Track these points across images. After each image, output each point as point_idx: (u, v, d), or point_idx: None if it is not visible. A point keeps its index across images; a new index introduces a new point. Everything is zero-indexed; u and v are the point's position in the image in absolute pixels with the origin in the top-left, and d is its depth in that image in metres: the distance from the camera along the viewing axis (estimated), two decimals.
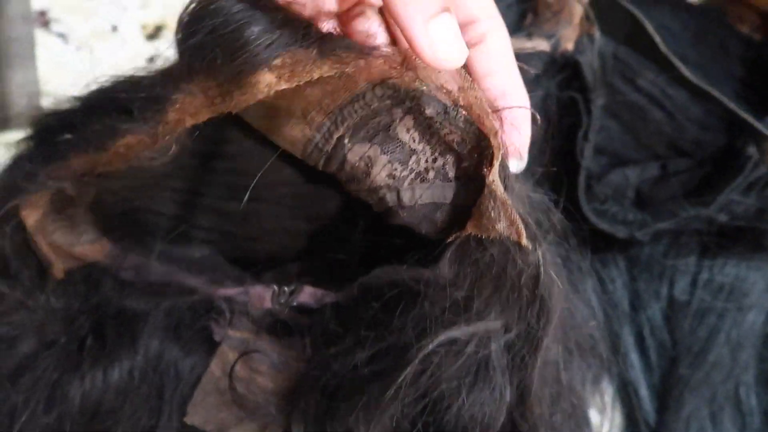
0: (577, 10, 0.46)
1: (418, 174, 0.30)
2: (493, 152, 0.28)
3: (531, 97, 0.47)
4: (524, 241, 0.27)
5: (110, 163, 0.30)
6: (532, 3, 0.47)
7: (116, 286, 0.34)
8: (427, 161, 0.30)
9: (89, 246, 0.35)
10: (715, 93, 0.46)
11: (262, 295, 0.35)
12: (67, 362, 0.32)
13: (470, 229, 0.28)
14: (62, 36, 0.54)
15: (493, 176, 0.27)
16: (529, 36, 0.45)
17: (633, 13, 0.47)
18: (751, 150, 0.45)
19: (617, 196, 0.46)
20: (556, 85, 0.46)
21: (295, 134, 0.31)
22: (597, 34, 0.46)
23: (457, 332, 0.27)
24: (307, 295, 0.34)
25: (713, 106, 0.48)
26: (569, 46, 0.47)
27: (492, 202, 0.27)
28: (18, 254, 0.34)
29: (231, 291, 0.35)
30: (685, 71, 0.46)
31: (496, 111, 0.29)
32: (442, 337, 0.27)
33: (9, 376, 0.32)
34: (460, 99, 0.27)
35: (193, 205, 0.42)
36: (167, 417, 0.33)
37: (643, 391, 0.43)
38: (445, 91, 0.27)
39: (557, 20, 0.46)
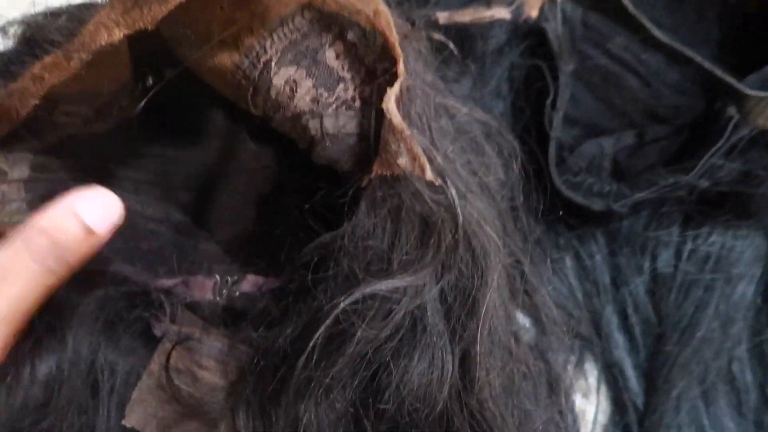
0: None
1: (344, 102, 0.28)
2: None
3: (496, 69, 0.45)
4: (428, 175, 0.25)
5: (27, 93, 0.28)
6: None
7: None
8: (354, 89, 0.28)
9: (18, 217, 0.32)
10: (690, 53, 0.44)
11: (204, 286, 0.33)
12: None
13: (376, 167, 0.26)
14: None
15: (388, 103, 0.26)
16: (488, 4, 0.43)
17: None
18: (731, 110, 0.42)
19: (592, 168, 0.44)
20: (520, 54, 0.44)
21: (224, 62, 0.30)
22: None
23: (377, 286, 0.25)
24: (250, 283, 0.32)
25: (690, 69, 0.45)
26: (533, 13, 0.45)
27: (392, 134, 0.25)
28: None
29: (169, 282, 0.32)
30: (656, 31, 0.44)
31: (406, 36, 0.27)
32: (357, 293, 0.25)
33: None
34: (375, 23, 0.26)
35: (145, 194, 0.39)
36: (105, 419, 0.30)
37: (630, 372, 0.41)
38: (363, 15, 0.27)
39: None
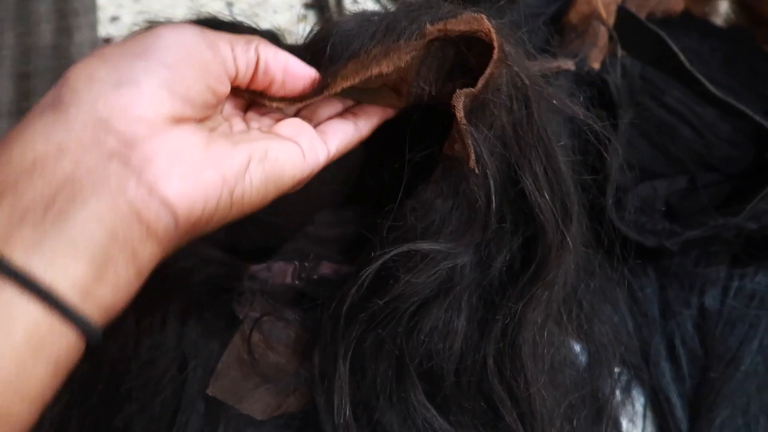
0: (602, 32, 0.48)
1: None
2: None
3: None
4: (471, 163, 0.30)
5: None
6: (557, 26, 0.50)
7: None
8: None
9: None
10: (741, 107, 0.47)
11: (285, 271, 0.37)
12: None
13: (445, 147, 0.31)
14: None
15: (457, 100, 0.30)
16: (555, 56, 0.48)
17: (658, 34, 0.49)
18: None
19: (646, 208, 0.47)
20: (581, 103, 0.48)
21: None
22: (620, 52, 0.48)
23: (421, 245, 0.31)
24: (327, 267, 0.37)
25: (741, 122, 0.49)
26: (596, 65, 0.49)
27: (456, 124, 0.30)
28: None
29: (255, 267, 0.37)
30: (710, 86, 0.47)
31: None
32: (405, 247, 0.31)
33: None
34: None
35: None
36: (191, 388, 0.35)
37: (675, 400, 0.43)
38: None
39: (582, 41, 0.48)
